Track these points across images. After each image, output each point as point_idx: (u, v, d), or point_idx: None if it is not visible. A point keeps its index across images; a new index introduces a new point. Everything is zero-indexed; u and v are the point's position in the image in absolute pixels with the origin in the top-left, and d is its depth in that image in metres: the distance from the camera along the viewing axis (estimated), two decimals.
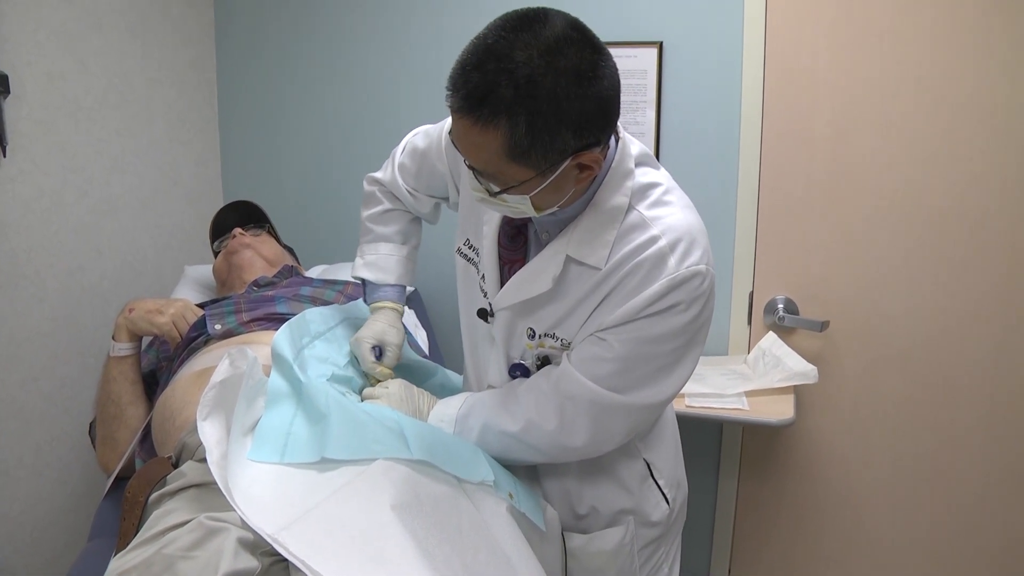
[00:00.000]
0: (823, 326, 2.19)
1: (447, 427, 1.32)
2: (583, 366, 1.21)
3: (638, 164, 1.21)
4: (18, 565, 1.97)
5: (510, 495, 1.23)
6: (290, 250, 2.15)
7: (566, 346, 1.26)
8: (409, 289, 1.62)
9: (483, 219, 1.32)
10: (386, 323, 1.48)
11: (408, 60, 2.43)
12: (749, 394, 2.05)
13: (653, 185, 1.21)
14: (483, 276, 1.34)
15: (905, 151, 2.10)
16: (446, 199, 1.52)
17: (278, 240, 2.11)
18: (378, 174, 1.57)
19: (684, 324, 1.16)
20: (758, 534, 2.43)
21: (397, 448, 1.12)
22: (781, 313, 2.23)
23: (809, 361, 2.11)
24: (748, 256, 2.25)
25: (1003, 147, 2.04)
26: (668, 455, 1.45)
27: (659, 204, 1.19)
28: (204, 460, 1.09)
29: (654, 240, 1.15)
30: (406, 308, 1.67)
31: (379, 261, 1.54)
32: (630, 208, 1.18)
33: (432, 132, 1.48)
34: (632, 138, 1.24)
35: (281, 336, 1.33)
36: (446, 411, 1.35)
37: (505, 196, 1.10)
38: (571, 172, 1.09)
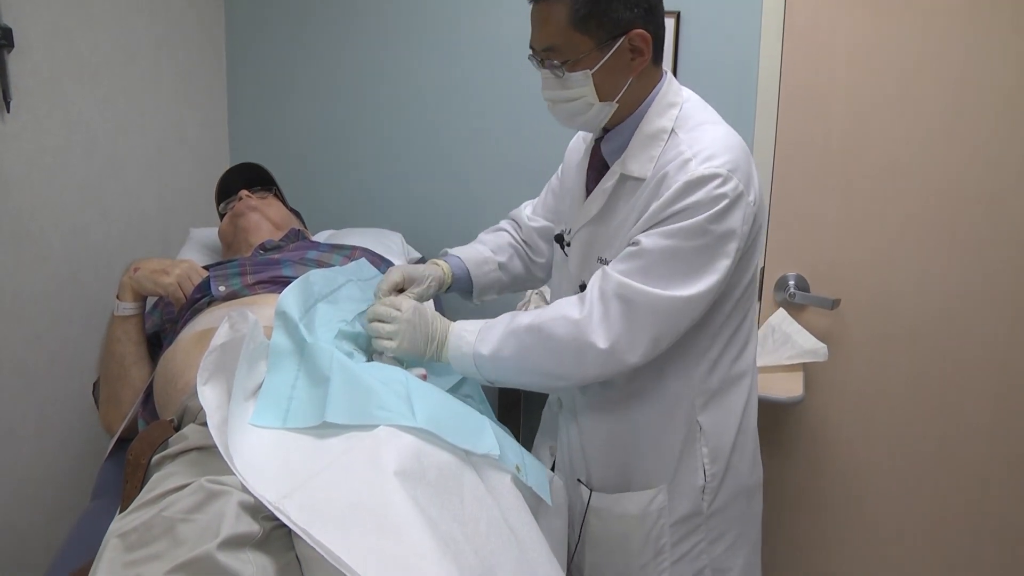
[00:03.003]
0: (834, 304, 2.17)
1: (469, 336, 1.36)
2: (615, 264, 1.29)
3: (687, 101, 1.35)
4: (21, 523, 1.97)
5: (517, 468, 1.22)
6: (297, 214, 2.12)
7: None
8: (488, 296, 1.70)
9: (575, 174, 1.49)
10: (424, 267, 1.53)
11: (424, 21, 2.40)
12: (759, 370, 2.03)
13: (696, 116, 1.33)
14: (568, 215, 1.48)
15: (922, 129, 2.07)
16: (553, 226, 1.65)
17: (285, 204, 2.09)
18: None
19: (702, 223, 1.23)
20: (765, 507, 2.41)
21: (402, 415, 1.10)
22: (792, 290, 2.21)
23: (819, 339, 2.10)
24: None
25: (1021, 126, 2.00)
26: (727, 426, 1.43)
27: (698, 128, 1.30)
28: (205, 424, 1.08)
29: (683, 152, 1.27)
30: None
31: (460, 248, 1.65)
32: (672, 132, 1.31)
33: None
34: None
35: (288, 295, 1.32)
36: (470, 324, 1.39)
37: (569, 78, 1.27)
38: (625, 54, 1.27)
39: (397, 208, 2.52)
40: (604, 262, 1.36)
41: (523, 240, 1.70)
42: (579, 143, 1.56)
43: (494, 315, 1.41)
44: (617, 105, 1.31)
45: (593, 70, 1.26)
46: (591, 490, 1.46)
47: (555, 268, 1.56)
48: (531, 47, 1.30)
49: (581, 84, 1.28)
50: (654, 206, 1.26)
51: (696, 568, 1.45)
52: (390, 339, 1.37)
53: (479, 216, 1.79)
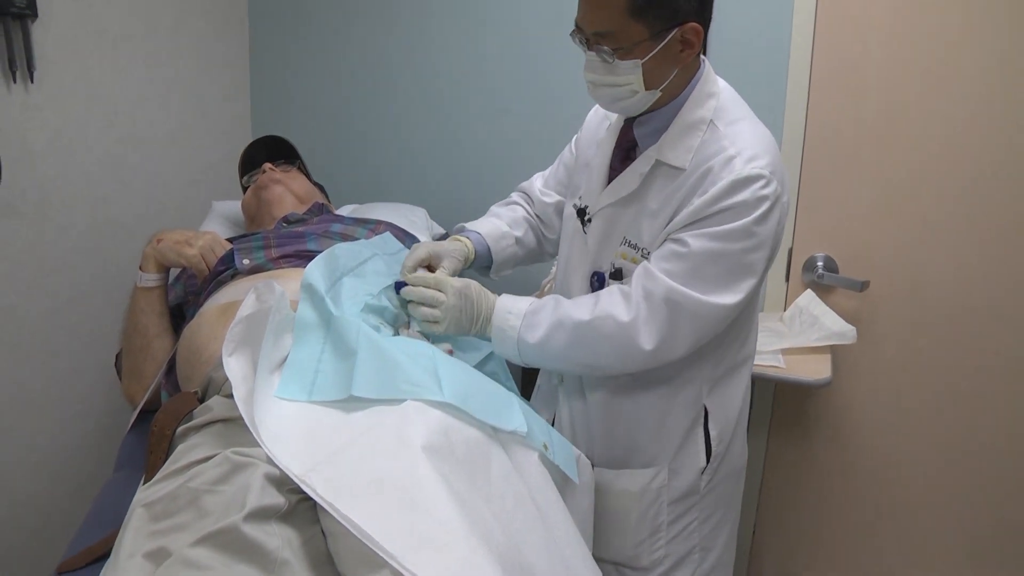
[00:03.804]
0: (863, 286, 2.14)
1: (514, 320, 1.38)
2: (660, 263, 1.30)
3: (723, 92, 1.36)
4: (45, 495, 1.99)
5: (544, 446, 1.21)
6: (320, 188, 2.13)
7: (645, 257, 1.36)
8: (505, 272, 1.70)
9: (596, 150, 1.49)
10: (448, 244, 1.53)
11: None
12: (785, 352, 2.02)
13: (733, 110, 1.34)
14: (588, 189, 1.48)
15: (961, 107, 2.02)
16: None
17: (308, 177, 2.10)
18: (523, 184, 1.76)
19: (748, 225, 1.25)
20: (784, 497, 2.41)
21: (429, 390, 1.09)
22: (820, 271, 2.18)
23: (847, 322, 2.07)
24: (789, 211, 2.18)
25: None
26: (730, 409, 1.48)
27: (737, 123, 1.32)
28: (230, 396, 1.08)
29: (726, 148, 1.28)
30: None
31: (477, 223, 1.64)
32: (711, 123, 1.31)
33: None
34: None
35: (314, 268, 1.32)
36: (515, 305, 1.40)
37: (619, 65, 1.26)
38: (675, 45, 1.26)
39: (421, 183, 2.51)
40: (631, 244, 1.38)
41: (536, 214, 1.71)
42: (599, 117, 1.56)
43: (509, 289, 1.43)
44: (660, 94, 1.31)
45: (644, 60, 1.25)
46: (592, 465, 1.47)
47: (566, 241, 1.55)
48: (578, 26, 1.28)
49: (629, 72, 1.27)
50: (698, 202, 1.26)
51: (688, 547, 1.50)
52: (436, 322, 1.38)
53: (504, 193, 1.77)
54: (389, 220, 1.97)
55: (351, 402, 1.08)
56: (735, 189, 1.24)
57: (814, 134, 2.15)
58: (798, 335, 2.09)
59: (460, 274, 1.50)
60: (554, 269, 2.06)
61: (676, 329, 1.28)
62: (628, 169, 1.39)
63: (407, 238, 1.87)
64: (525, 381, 2.17)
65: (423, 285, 1.40)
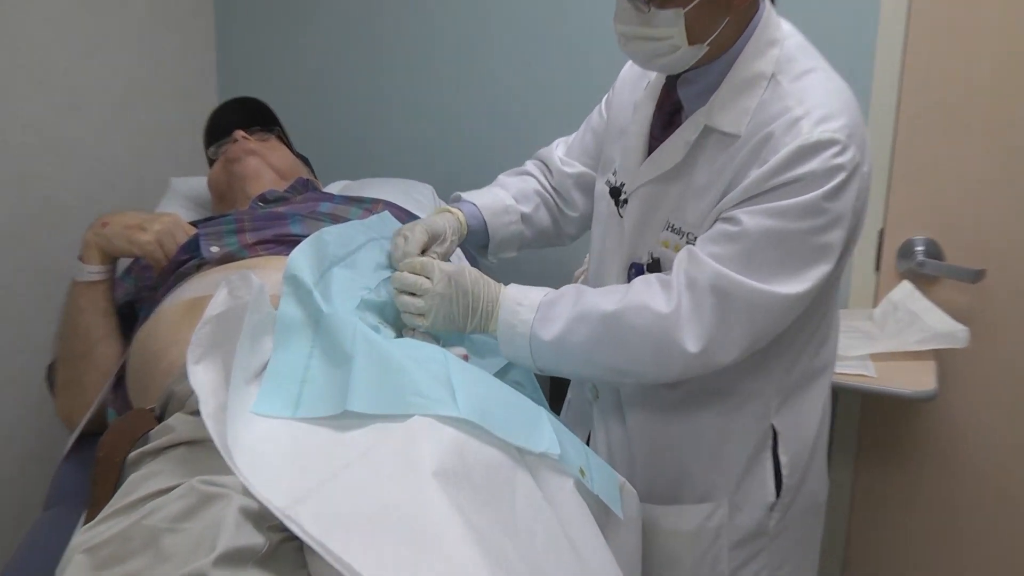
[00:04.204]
0: (976, 276, 2.12)
1: (526, 312, 1.37)
2: (707, 245, 1.29)
3: (788, 38, 1.34)
4: None
5: (581, 471, 1.21)
6: (304, 160, 2.15)
7: (690, 243, 1.35)
8: (506, 253, 1.73)
9: (633, 114, 1.49)
10: (439, 218, 1.55)
11: None
12: (875, 358, 2.02)
13: (801, 61, 1.32)
14: (623, 163, 1.49)
15: None
16: (593, 173, 1.67)
17: (290, 147, 2.11)
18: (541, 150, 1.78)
19: (817, 200, 1.23)
20: (880, 537, 2.40)
21: (441, 402, 1.09)
22: (921, 258, 2.18)
23: (956, 320, 2.06)
24: (879, 185, 2.19)
25: None
26: (806, 429, 1.47)
27: (805, 76, 1.30)
28: (196, 413, 1.07)
29: (790, 108, 1.26)
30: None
31: (475, 193, 1.66)
32: (773, 78, 1.30)
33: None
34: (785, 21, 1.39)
35: (298, 256, 1.33)
36: (527, 296, 1.40)
37: (656, 15, 1.25)
38: None
39: (428, 155, 2.53)
40: (674, 229, 1.39)
41: (553, 188, 1.72)
42: (636, 74, 1.57)
43: (533, 282, 1.43)
44: (707, 48, 1.30)
45: (686, 8, 1.24)
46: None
47: (599, 225, 1.56)
48: None
49: (669, 24, 1.26)
50: (755, 174, 1.26)
51: None
52: (421, 315, 1.39)
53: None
54: (389, 199, 1.97)
55: (346, 418, 1.08)
56: (802, 157, 1.23)
57: (911, 94, 2.14)
58: (893, 337, 2.08)
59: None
60: (587, 260, 2.07)
61: (726, 325, 1.27)
62: (671, 137, 1.39)
63: (409, 219, 1.84)
64: (554, 394, 2.17)
65: (408, 270, 1.41)
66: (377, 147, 2.57)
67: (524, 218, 1.66)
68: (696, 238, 1.33)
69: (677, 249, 1.36)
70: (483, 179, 2.39)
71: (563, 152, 1.72)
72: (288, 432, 1.07)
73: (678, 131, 1.38)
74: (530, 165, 1.75)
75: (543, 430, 1.19)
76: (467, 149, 2.48)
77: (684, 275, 1.29)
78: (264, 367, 1.17)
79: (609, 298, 1.33)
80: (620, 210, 1.47)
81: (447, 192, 2.37)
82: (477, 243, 1.64)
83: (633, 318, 1.30)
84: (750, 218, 1.25)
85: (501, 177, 1.74)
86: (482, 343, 1.47)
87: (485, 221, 1.62)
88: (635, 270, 1.44)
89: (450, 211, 1.57)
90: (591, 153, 1.67)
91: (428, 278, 1.39)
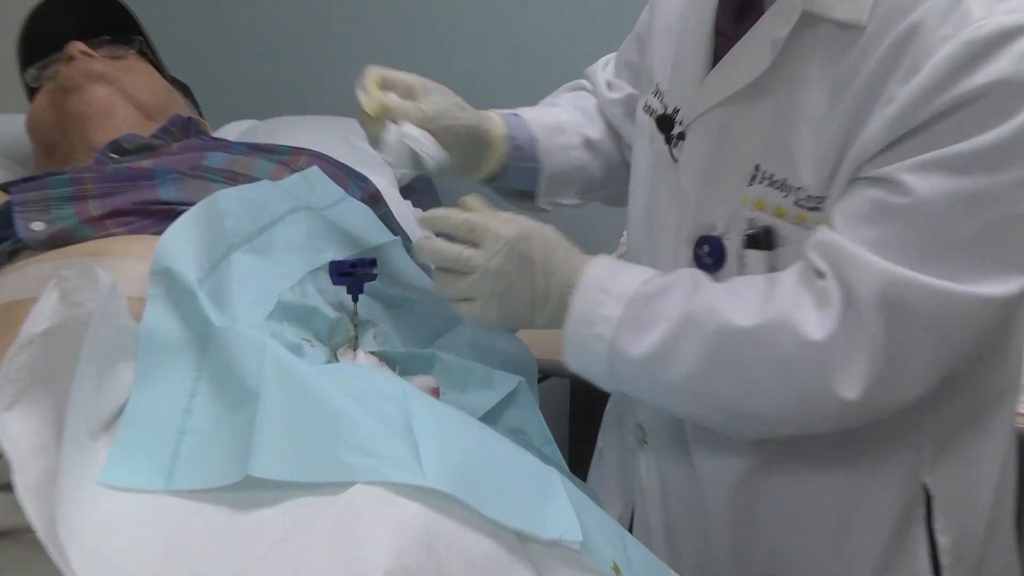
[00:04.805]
0: None
1: (610, 307, 1.32)
2: (857, 228, 1.21)
3: None
4: None
5: (615, 568, 1.19)
6: (183, 89, 2.16)
7: (809, 204, 1.29)
8: (564, 199, 1.76)
9: (686, 5, 1.48)
10: (467, 114, 1.58)
11: None
12: None
13: None
14: (676, 78, 1.48)
15: None
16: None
17: (160, 69, 2.10)
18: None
19: (1021, 126, 1.14)
20: None
21: (397, 464, 1.06)
22: None
23: None
24: None
25: None
26: (977, 491, 1.41)
27: None
28: (8, 489, 1.05)
29: None
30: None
31: (518, 110, 1.69)
32: None
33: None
34: None
35: (177, 236, 1.31)
36: (616, 279, 1.35)
37: None
38: None
39: None
40: (772, 181, 1.33)
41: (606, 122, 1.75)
42: None
43: None
44: None
45: None
46: None
47: (640, 175, 1.55)
48: None
49: None
50: (904, 94, 1.18)
51: None
52: (468, 300, 1.37)
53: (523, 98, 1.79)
54: (316, 147, 1.98)
55: (249, 490, 1.05)
56: (974, 55, 1.14)
57: None
58: None
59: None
60: (625, 236, 2.06)
61: (903, 355, 1.20)
62: (750, 33, 1.34)
63: (352, 179, 1.88)
64: (575, 435, 2.16)
65: (445, 230, 1.38)
66: (299, 70, 2.57)
67: (588, 144, 1.68)
68: (807, 194, 1.29)
69: (780, 213, 1.31)
70: None
71: (611, 73, 1.74)
72: (158, 514, 1.04)
73: (760, 23, 1.32)
74: (573, 94, 1.80)
75: (556, 504, 1.16)
76: (442, 72, 2.48)
77: (836, 282, 1.22)
78: (120, 412, 1.14)
79: (741, 301, 1.28)
80: (673, 151, 1.44)
81: None
82: (519, 180, 1.64)
83: (769, 342, 1.25)
84: (921, 179, 1.17)
85: (546, 101, 1.79)
86: (464, 368, 1.46)
87: (535, 138, 1.61)
88: (709, 248, 1.39)
89: (489, 116, 1.59)
90: (640, 68, 1.66)
91: (476, 246, 1.36)
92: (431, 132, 1.47)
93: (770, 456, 1.41)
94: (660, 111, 1.46)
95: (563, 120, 1.66)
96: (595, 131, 1.68)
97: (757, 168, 1.33)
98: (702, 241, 1.40)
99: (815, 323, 1.22)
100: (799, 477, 1.41)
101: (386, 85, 1.49)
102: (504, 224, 1.37)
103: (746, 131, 1.35)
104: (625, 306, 1.32)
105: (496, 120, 1.57)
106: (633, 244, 1.56)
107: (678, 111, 1.44)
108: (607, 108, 1.72)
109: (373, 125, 1.47)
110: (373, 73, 1.48)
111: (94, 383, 1.12)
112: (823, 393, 1.22)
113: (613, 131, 1.72)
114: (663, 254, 1.46)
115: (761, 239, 1.34)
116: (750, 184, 1.34)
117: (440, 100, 1.51)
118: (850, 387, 1.20)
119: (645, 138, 1.50)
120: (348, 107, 2.42)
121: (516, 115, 1.62)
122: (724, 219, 1.38)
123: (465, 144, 1.53)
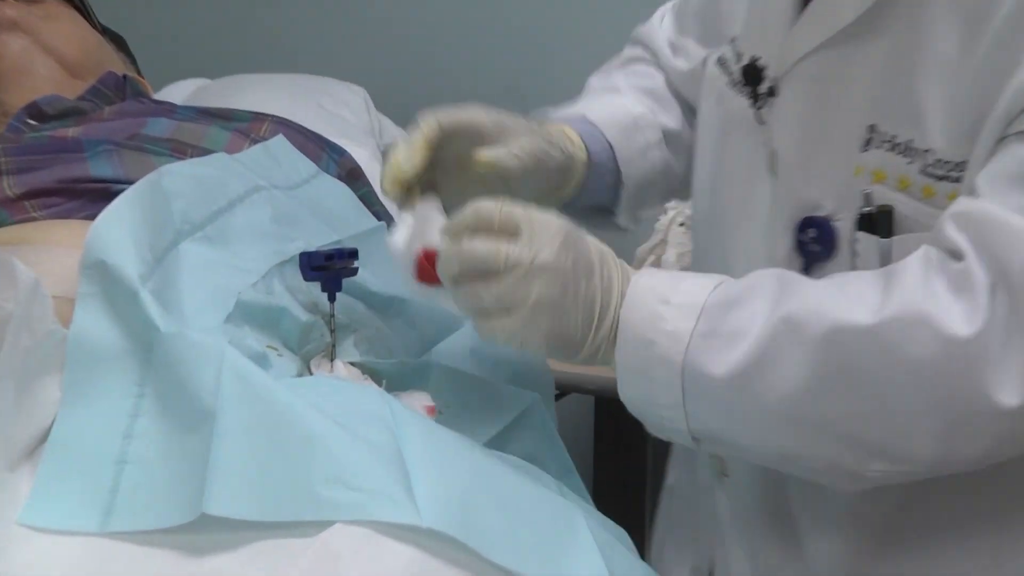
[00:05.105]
0: None
1: (676, 319, 1.23)
2: (1010, 196, 1.15)
3: None
4: None
5: None
6: (117, 41, 2.19)
7: (939, 171, 1.23)
8: (645, 211, 1.73)
9: None
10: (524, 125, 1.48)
11: None
12: None
13: None
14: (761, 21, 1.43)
15: None
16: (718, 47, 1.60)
17: (87, 16, 2.13)
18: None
19: None
20: None
21: (385, 498, 1.05)
22: None
23: None
24: None
25: None
26: None
27: None
28: None
29: None
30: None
31: (576, 106, 1.64)
32: None
33: None
34: None
35: (114, 221, 1.30)
36: (678, 288, 1.27)
37: None
38: None
39: (357, 42, 2.59)
40: (893, 144, 1.27)
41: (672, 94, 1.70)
42: None
43: None
44: None
45: None
46: None
47: (711, 145, 1.52)
48: None
49: None
50: None
51: None
52: (502, 316, 1.25)
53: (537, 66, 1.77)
54: (280, 112, 2.01)
55: (205, 532, 1.05)
56: None
57: None
58: None
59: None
60: (665, 218, 2.06)
61: None
62: None
63: (325, 151, 1.90)
64: (601, 464, 2.16)
65: (474, 224, 1.30)
66: (260, 19, 2.57)
67: (668, 137, 1.64)
68: (936, 158, 1.23)
69: (904, 185, 1.25)
70: (440, 84, 2.38)
71: (672, 30, 1.70)
72: (92, 562, 1.05)
73: None
74: (632, 54, 1.77)
75: (579, 549, 1.15)
76: (426, 26, 2.48)
77: (984, 262, 1.15)
78: (44, 436, 1.15)
79: (853, 296, 1.20)
80: (761, 111, 1.40)
81: (385, 99, 2.44)
82: (594, 197, 1.58)
83: (899, 343, 1.16)
84: None
85: (593, 79, 1.74)
86: (465, 383, 1.45)
87: (611, 145, 1.56)
88: (817, 231, 1.35)
89: (563, 131, 1.52)
90: (712, 17, 1.63)
91: (514, 237, 1.28)
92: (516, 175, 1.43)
93: (902, 496, 1.37)
94: (747, 61, 1.43)
95: (636, 114, 1.61)
96: (671, 118, 1.64)
97: (873, 129, 1.28)
98: (806, 224, 1.35)
99: (958, 315, 1.15)
100: (947, 528, 1.37)
101: (447, 133, 1.37)
102: (551, 215, 1.30)
103: (856, 82, 1.31)
104: (697, 317, 1.24)
105: (577, 142, 1.50)
106: (701, 234, 1.55)
107: (762, 60, 1.40)
108: (679, 82, 1.68)
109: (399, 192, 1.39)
110: (429, 126, 1.36)
111: (12, 401, 1.13)
112: (974, 402, 1.15)
113: (689, 110, 1.66)
114: (751, 243, 1.41)
115: (878, 221, 1.30)
116: (864, 149, 1.29)
117: (528, 143, 1.42)
118: (1010, 391, 1.13)
119: (715, 98, 1.48)
120: (319, 63, 2.45)
121: (587, 120, 1.56)
122: (833, 196, 1.33)
123: (550, 183, 1.50)
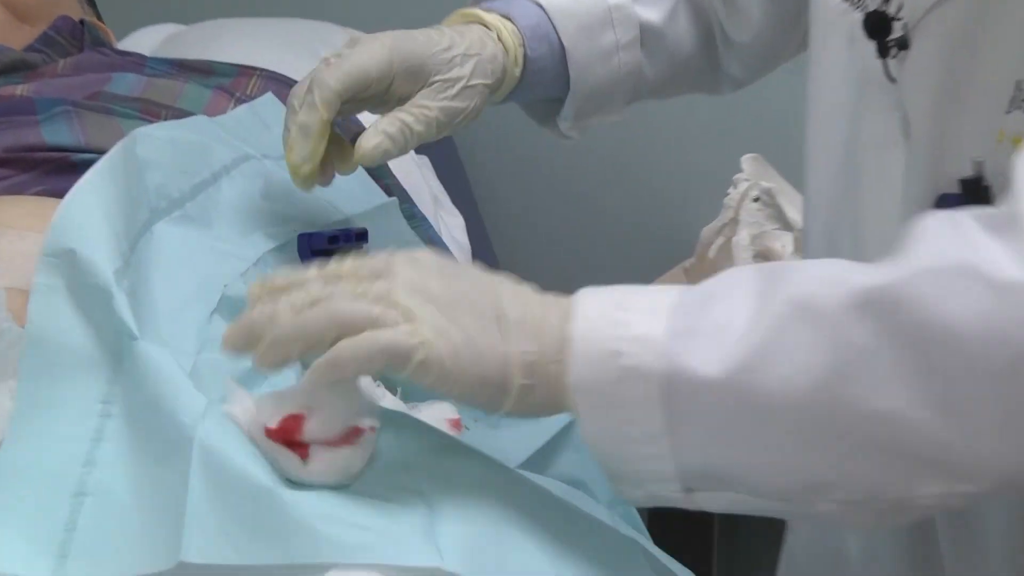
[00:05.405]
0: None
1: (641, 322, 1.11)
2: None
3: None
4: None
5: None
6: None
7: None
8: (608, 114, 1.73)
9: None
10: (437, 34, 1.51)
11: None
12: None
13: None
14: None
15: None
16: None
17: None
18: None
19: None
20: None
21: (399, 538, 1.07)
22: None
23: None
24: None
25: None
26: None
27: None
28: None
29: None
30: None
31: None
32: None
33: None
34: None
35: (81, 201, 1.31)
36: (632, 296, 1.16)
37: None
38: None
39: None
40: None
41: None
42: None
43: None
44: None
45: None
46: None
47: (831, 98, 1.50)
48: None
49: None
50: None
51: None
52: (393, 318, 1.15)
53: None
54: (269, 63, 2.04)
55: None
56: None
57: None
58: None
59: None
60: (735, 192, 2.06)
61: None
62: None
63: None
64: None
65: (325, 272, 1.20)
66: None
67: (646, 34, 1.66)
68: None
69: None
70: None
71: None
72: None
73: None
74: None
75: None
76: None
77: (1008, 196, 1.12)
78: None
79: (857, 265, 1.14)
80: (889, 65, 1.39)
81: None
82: (541, 92, 1.63)
83: (940, 299, 1.09)
84: None
85: None
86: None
87: (562, 44, 1.59)
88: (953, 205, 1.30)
89: (479, 16, 1.55)
90: None
91: (380, 279, 1.16)
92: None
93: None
94: (872, 7, 1.40)
95: (610, 4, 1.63)
96: (656, 10, 1.65)
97: (1020, 86, 1.27)
98: (944, 201, 1.33)
99: (1006, 255, 1.08)
100: None
101: (347, 99, 1.41)
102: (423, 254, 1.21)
103: (1001, 31, 1.28)
104: (670, 316, 1.14)
105: (513, 48, 1.54)
106: (816, 210, 1.52)
107: (896, 6, 1.36)
108: None
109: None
110: (324, 96, 1.39)
111: None
112: None
113: (699, 7, 1.70)
114: (882, 218, 1.40)
115: (985, 191, 1.29)
116: (1009, 111, 1.28)
117: (417, 113, 1.44)
118: None
119: (840, 38, 1.43)
120: (313, 5, 2.46)
121: (540, 9, 1.59)
122: (974, 164, 1.33)
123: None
